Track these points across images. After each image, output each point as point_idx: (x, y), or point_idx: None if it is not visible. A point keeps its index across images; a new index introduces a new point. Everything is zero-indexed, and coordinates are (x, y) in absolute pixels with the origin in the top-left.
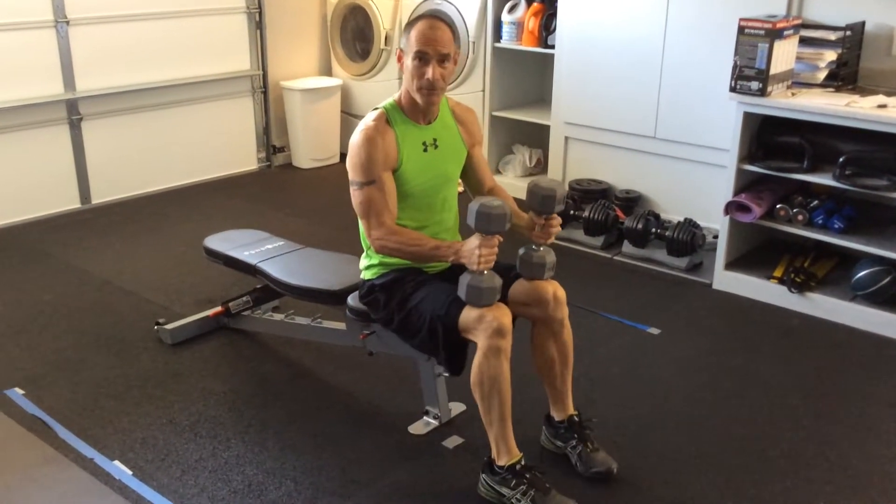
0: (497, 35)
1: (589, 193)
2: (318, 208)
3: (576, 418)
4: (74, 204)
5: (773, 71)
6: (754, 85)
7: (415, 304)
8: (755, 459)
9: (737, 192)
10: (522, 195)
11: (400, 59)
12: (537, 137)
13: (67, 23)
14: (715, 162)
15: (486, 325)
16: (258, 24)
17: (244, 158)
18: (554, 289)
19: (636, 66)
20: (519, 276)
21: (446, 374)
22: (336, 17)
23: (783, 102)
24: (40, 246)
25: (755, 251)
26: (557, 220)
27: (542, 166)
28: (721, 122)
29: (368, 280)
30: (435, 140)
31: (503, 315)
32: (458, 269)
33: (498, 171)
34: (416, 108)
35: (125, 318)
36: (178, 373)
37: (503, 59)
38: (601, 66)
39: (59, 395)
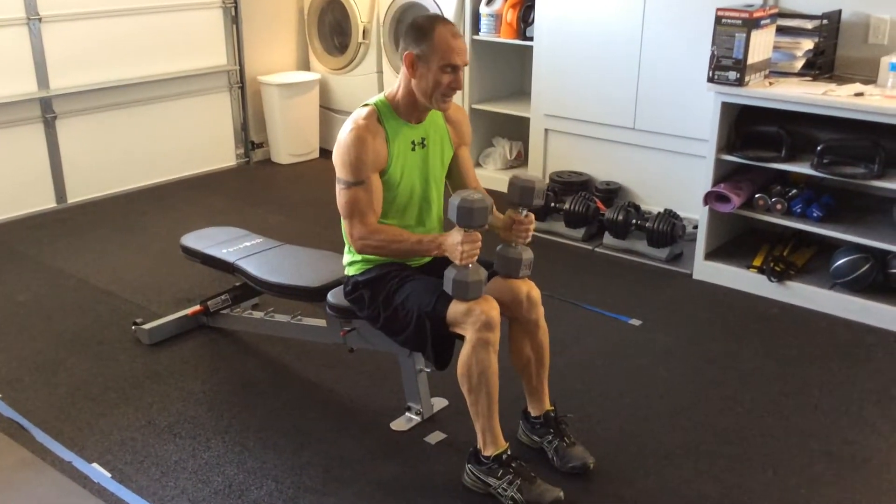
0: (475, 27)
1: (569, 185)
2: (297, 204)
3: (552, 413)
4: (50, 203)
5: (750, 60)
6: (732, 75)
7: (401, 300)
8: (737, 449)
9: (716, 183)
10: (503, 188)
11: (412, 64)
12: (517, 130)
13: (40, 20)
14: (693, 152)
15: (474, 318)
16: (234, 18)
17: (222, 155)
18: (528, 289)
19: (614, 58)
20: (496, 275)
21: (428, 370)
22: (313, 12)
23: (761, 92)
24: (15, 246)
25: (735, 241)
26: (532, 218)
27: (522, 159)
28: (699, 112)
29: (352, 276)
30: (423, 139)
31: (491, 308)
32: (440, 261)
33: (478, 164)
34: (412, 110)
35: (102, 318)
36: (156, 373)
37: (482, 51)
38: (580, 57)
39: (36, 398)
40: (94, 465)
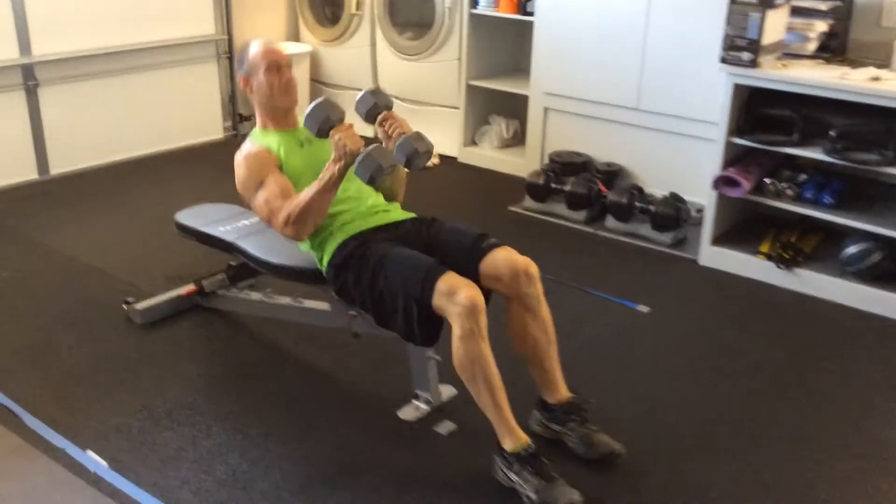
0: (474, 1)
1: (569, 166)
2: None
3: (574, 399)
4: (31, 175)
5: (764, 42)
6: (745, 56)
7: (384, 284)
8: (753, 441)
9: (725, 166)
10: (501, 167)
11: (247, 83)
12: (514, 108)
13: None
14: (699, 134)
15: (457, 305)
16: None
17: (209, 127)
18: (526, 264)
19: (618, 35)
20: (490, 249)
21: (438, 358)
22: None
23: (776, 74)
24: None
25: (739, 226)
26: (392, 112)
27: (519, 137)
28: (706, 93)
29: (329, 264)
30: (308, 138)
31: (475, 293)
32: (410, 228)
33: (474, 143)
34: (277, 119)
35: (92, 296)
36: (150, 355)
37: (480, 26)
38: (582, 34)
39: (26, 381)
40: (89, 452)
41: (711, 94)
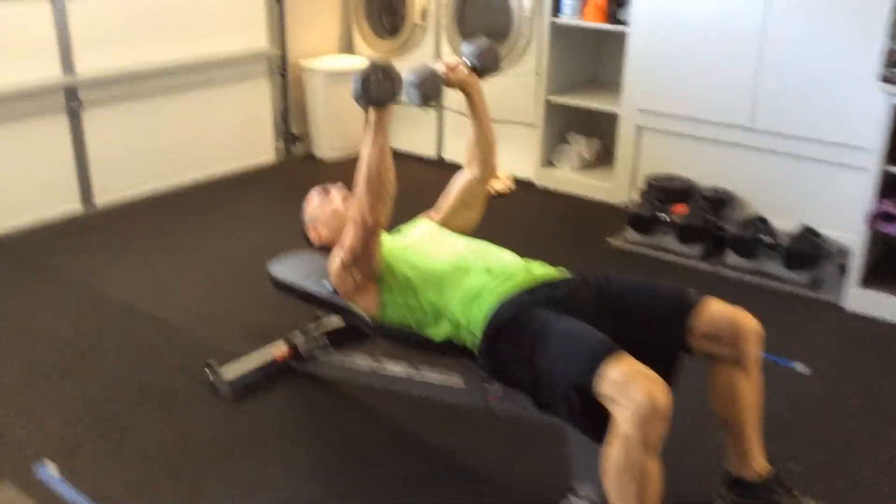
0: (556, 9)
1: (670, 192)
2: None
3: (775, 471)
4: (74, 205)
5: None
6: None
7: (543, 364)
8: None
9: (878, 198)
10: (579, 189)
11: (315, 230)
12: (595, 125)
13: None
14: (831, 159)
15: (632, 401)
16: None
17: (260, 149)
18: (753, 322)
19: (728, 46)
20: (695, 304)
21: None
22: None
23: None
24: (41, 260)
25: (883, 264)
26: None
27: (601, 158)
28: (842, 112)
29: (482, 337)
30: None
31: (659, 392)
32: (579, 292)
33: (551, 164)
34: None
35: (161, 356)
36: (246, 434)
37: (561, 36)
38: (684, 44)
39: (103, 471)
40: None
41: (848, 113)
